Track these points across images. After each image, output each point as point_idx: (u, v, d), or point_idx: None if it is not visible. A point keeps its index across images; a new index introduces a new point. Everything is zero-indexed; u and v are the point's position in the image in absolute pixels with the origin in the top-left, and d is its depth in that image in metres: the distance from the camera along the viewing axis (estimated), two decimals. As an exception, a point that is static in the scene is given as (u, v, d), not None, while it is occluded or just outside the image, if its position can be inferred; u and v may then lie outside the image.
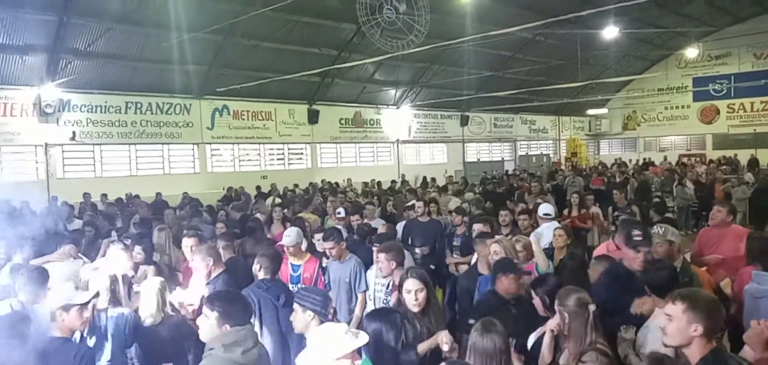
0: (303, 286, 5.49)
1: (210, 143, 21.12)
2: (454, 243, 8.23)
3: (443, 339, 3.64)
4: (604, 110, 36.05)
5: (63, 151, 17.64)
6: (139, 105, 19.04)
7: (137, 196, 15.42)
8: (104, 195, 15.53)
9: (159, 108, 19.55)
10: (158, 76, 18.54)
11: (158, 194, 16.08)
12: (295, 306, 3.71)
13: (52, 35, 15.63)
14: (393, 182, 21.85)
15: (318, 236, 6.61)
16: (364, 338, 2.97)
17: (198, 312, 4.66)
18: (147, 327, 4.75)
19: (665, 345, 3.03)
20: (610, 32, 21.03)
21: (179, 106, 20.02)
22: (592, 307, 3.42)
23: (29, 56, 15.89)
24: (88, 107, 17.90)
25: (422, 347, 3.75)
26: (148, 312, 4.64)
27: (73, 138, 17.54)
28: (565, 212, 10.77)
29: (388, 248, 5.11)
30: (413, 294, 3.89)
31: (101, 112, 18.22)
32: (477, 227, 6.98)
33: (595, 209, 10.51)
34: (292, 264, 5.99)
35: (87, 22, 15.90)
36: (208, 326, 3.30)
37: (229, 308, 3.33)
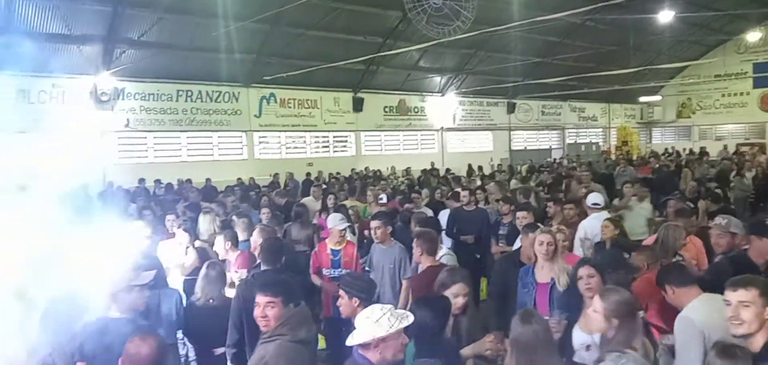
0: (348, 272, 5.55)
1: (258, 131, 21.50)
2: (500, 232, 8.13)
3: (490, 340, 3.70)
4: (657, 97, 34.81)
5: (118, 138, 18.28)
6: (189, 93, 19.54)
7: (189, 180, 15.89)
8: (158, 181, 16.02)
9: (209, 96, 20.01)
10: (208, 64, 18.93)
11: (208, 180, 16.52)
12: (342, 292, 3.87)
13: (107, 25, 16.16)
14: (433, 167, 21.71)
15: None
16: (408, 319, 2.99)
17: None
18: (198, 309, 4.87)
19: (735, 336, 2.99)
20: (665, 17, 20.23)
21: (228, 94, 20.44)
22: (642, 313, 3.34)
23: (86, 46, 16.49)
24: (142, 94, 18.49)
25: (466, 351, 3.74)
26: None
27: (127, 125, 18.15)
28: (616, 202, 10.49)
29: (419, 234, 5.28)
30: (461, 299, 3.93)
31: (153, 100, 18.79)
32: (520, 216, 6.90)
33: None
34: (331, 249, 6.07)
35: (140, 12, 16.37)
36: (278, 312, 3.37)
37: (287, 289, 3.46)
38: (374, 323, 2.90)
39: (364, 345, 2.92)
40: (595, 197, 7.83)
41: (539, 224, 6.15)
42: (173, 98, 19.20)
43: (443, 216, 8.85)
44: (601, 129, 35.81)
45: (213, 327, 4.80)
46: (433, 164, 22.77)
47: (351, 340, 2.97)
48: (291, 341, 3.26)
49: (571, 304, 4.33)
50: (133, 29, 16.81)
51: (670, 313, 3.87)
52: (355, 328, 3.89)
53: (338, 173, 19.57)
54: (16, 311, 2.69)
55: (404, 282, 5.61)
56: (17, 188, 3.01)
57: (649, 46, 27.19)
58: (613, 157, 26.77)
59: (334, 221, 6.13)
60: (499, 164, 23.72)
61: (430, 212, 8.91)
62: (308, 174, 19.31)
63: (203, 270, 5.05)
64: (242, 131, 21.10)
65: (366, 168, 21.34)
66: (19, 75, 15.57)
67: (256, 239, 5.61)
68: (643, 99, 34.39)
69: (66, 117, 16.79)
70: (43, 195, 3.16)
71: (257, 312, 3.44)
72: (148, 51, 17.64)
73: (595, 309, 3.33)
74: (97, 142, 17.59)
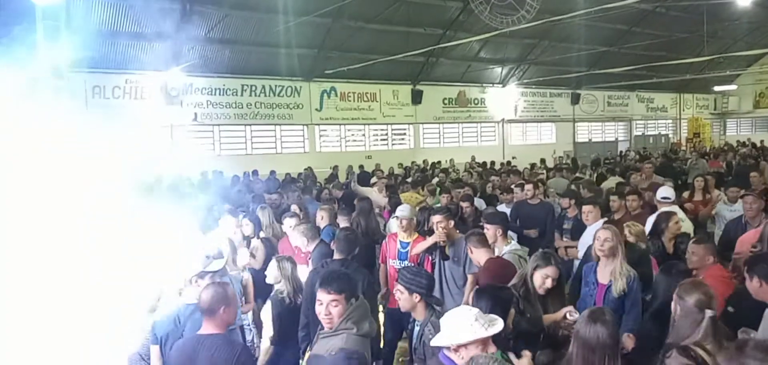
0: (406, 266, 5.53)
1: (318, 124, 21.83)
2: (564, 227, 7.93)
3: (569, 311, 3.91)
4: (732, 87, 32.91)
5: (186, 131, 18.97)
6: (253, 88, 20.07)
7: (256, 172, 16.34)
8: (220, 172, 16.47)
9: (272, 90, 20.49)
10: (271, 59, 19.36)
11: (272, 173, 16.91)
12: (401, 287, 3.88)
13: (176, 23, 16.76)
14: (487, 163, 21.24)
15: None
16: (496, 326, 2.96)
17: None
18: (288, 307, 4.92)
19: None
20: (743, 1, 19.06)
21: (290, 88, 20.86)
22: (709, 312, 3.16)
23: (156, 43, 17.15)
24: (208, 89, 19.13)
25: (546, 318, 3.93)
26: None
27: (194, 119, 18.83)
28: (685, 195, 10.02)
29: (490, 215, 5.52)
30: (550, 280, 4.07)
31: (220, 94, 19.40)
32: (586, 210, 6.72)
33: (719, 193, 9.63)
34: (400, 241, 6.04)
35: (207, 9, 16.89)
36: (341, 310, 3.34)
37: (351, 284, 3.47)
38: (456, 328, 2.88)
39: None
40: (666, 191, 7.51)
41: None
42: (238, 93, 19.77)
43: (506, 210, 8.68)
44: (671, 120, 34.32)
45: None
46: (474, 157, 22.08)
47: (435, 341, 2.99)
48: (357, 335, 3.24)
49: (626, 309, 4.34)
50: (201, 26, 17.35)
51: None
52: (414, 320, 3.94)
53: (401, 165, 19.63)
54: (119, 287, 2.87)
55: (470, 277, 5.54)
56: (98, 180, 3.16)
57: (724, 32, 25.78)
58: (684, 149, 25.59)
59: (406, 212, 6.14)
60: (560, 157, 23.08)
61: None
62: (361, 166, 19.38)
63: (276, 267, 4.97)
64: (303, 125, 21.49)
65: (424, 161, 21.30)
66: (95, 72, 16.44)
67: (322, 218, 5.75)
68: (717, 88, 32.65)
69: (138, 111, 17.60)
70: (122, 185, 3.30)
71: (321, 310, 3.37)
72: (214, 47, 18.19)
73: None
74: (167, 135, 18.33)
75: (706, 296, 3.25)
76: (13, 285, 2.51)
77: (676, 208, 7.26)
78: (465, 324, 2.86)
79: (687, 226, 6.80)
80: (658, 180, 10.31)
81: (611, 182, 11.00)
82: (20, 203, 2.63)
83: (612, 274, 4.50)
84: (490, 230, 5.32)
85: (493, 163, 20.07)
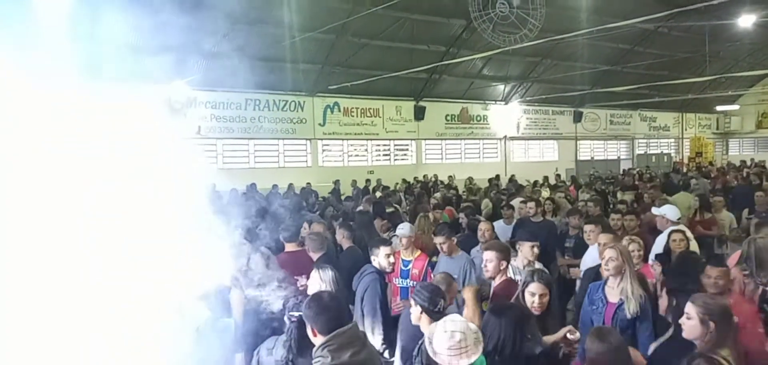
0: (420, 283, 5.53)
1: (321, 139, 21.89)
2: (566, 245, 7.93)
3: (569, 330, 3.73)
4: (734, 107, 32.97)
5: (189, 144, 18.99)
6: (257, 102, 20.15)
7: (254, 185, 16.37)
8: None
9: (275, 105, 20.57)
10: (275, 74, 19.42)
11: (274, 186, 16.95)
12: (411, 301, 3.95)
13: (181, 36, 16.82)
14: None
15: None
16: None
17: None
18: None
19: None
20: (745, 21, 19.13)
21: (294, 103, 20.94)
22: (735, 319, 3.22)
23: (161, 56, 17.20)
24: (212, 103, 19.22)
25: (547, 339, 3.79)
26: None
27: (198, 132, 18.89)
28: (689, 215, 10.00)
29: (491, 246, 5.15)
30: (537, 297, 3.96)
31: (223, 108, 19.48)
32: (588, 229, 6.71)
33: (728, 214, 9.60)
34: (403, 259, 6.04)
35: (212, 23, 16.97)
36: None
37: (319, 312, 3.18)
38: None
39: None
40: (672, 212, 7.47)
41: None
42: (242, 107, 19.85)
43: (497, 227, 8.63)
44: (673, 139, 34.35)
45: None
46: (451, 176, 21.63)
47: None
48: (331, 364, 3.01)
49: (637, 330, 4.26)
50: (206, 40, 17.45)
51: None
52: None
53: (405, 181, 19.64)
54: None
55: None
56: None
57: (726, 53, 25.91)
58: (687, 168, 25.58)
59: (406, 230, 6.15)
60: (558, 175, 23.03)
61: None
62: (367, 181, 19.42)
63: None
64: (306, 139, 21.55)
65: (424, 176, 21.33)
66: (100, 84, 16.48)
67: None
68: (719, 108, 32.72)
69: (142, 124, 17.62)
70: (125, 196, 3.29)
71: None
72: (219, 61, 18.27)
73: (689, 316, 3.24)
74: (171, 148, 18.36)
75: (721, 300, 3.33)
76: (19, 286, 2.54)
77: (682, 227, 7.23)
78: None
79: (693, 246, 6.77)
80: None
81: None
82: (18, 205, 2.64)
83: (622, 293, 4.42)
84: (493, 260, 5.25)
85: (497, 176, 20.12)
